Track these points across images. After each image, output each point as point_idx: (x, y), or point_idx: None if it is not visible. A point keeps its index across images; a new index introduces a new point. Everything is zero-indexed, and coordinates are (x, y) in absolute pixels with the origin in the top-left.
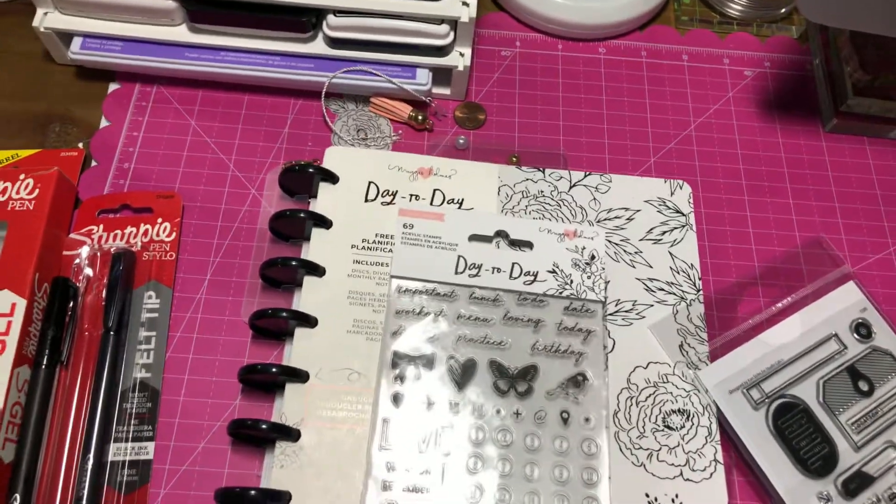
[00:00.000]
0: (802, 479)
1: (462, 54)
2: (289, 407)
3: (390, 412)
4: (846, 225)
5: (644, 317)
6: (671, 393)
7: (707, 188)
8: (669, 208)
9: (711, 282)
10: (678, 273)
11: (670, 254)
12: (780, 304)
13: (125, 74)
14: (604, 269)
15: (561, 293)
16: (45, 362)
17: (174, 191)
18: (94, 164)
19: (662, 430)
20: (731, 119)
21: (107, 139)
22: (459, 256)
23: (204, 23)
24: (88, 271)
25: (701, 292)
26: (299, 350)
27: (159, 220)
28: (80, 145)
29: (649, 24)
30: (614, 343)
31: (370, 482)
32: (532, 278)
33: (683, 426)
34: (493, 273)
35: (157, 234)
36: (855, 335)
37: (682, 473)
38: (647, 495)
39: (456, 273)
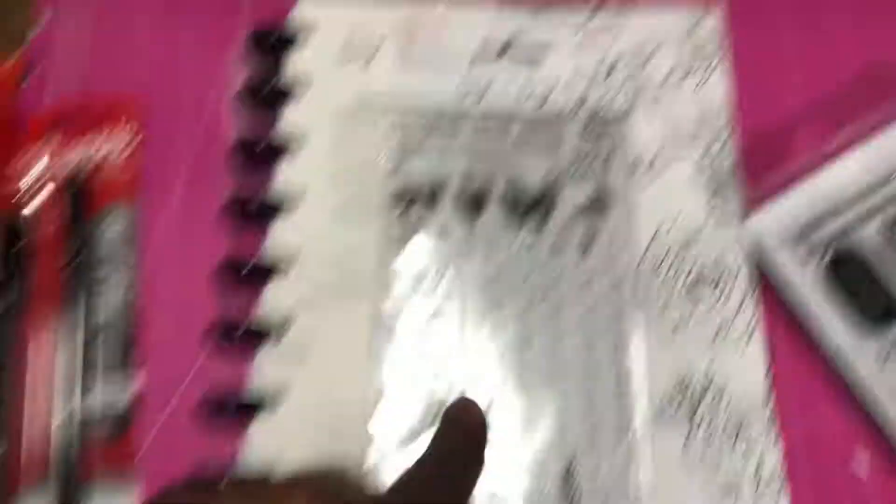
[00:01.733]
0: (860, 333)
1: None
2: (274, 303)
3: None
4: None
5: (668, 171)
6: (700, 253)
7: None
8: (693, 45)
9: (743, 126)
10: (704, 120)
11: (695, 97)
12: (834, 143)
13: None
14: (630, 76)
15: (577, 112)
16: None
17: (128, 97)
18: (32, 75)
19: (692, 294)
20: None
21: (45, 45)
22: (462, 78)
23: None
24: (38, 200)
25: (731, 138)
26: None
27: (113, 132)
28: (13, 55)
29: None
30: (635, 205)
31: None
32: (543, 101)
33: (715, 290)
34: (500, 95)
35: (113, 151)
36: None
37: (714, 342)
38: (678, 368)
39: (460, 99)
